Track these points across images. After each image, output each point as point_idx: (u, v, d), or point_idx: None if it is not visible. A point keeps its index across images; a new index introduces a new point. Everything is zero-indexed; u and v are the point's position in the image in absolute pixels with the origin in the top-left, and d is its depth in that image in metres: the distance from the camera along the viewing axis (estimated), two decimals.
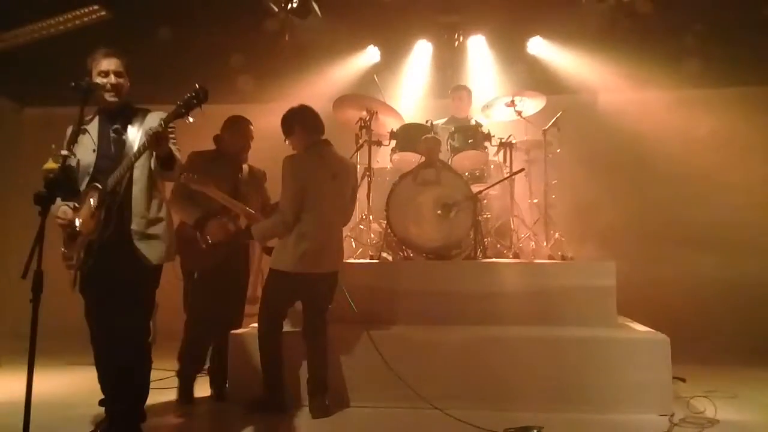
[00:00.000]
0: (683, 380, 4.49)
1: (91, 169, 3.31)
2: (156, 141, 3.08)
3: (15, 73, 6.94)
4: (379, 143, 5.69)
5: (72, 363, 5.01)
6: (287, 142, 4.24)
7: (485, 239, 5.22)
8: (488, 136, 5.55)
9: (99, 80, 3.33)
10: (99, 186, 3.23)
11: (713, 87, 7.05)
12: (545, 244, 5.40)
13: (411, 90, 7.40)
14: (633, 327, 4.64)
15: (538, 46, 7.07)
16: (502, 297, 4.62)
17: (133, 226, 3.25)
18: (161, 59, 6.16)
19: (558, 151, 5.66)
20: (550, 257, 5.26)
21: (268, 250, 4.15)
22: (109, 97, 3.34)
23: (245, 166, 4.66)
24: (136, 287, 3.26)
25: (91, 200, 3.23)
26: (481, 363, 4.15)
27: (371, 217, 5.41)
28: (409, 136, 5.50)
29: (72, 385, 4.80)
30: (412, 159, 5.47)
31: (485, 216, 5.42)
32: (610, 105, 7.13)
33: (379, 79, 6.36)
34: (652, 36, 6.43)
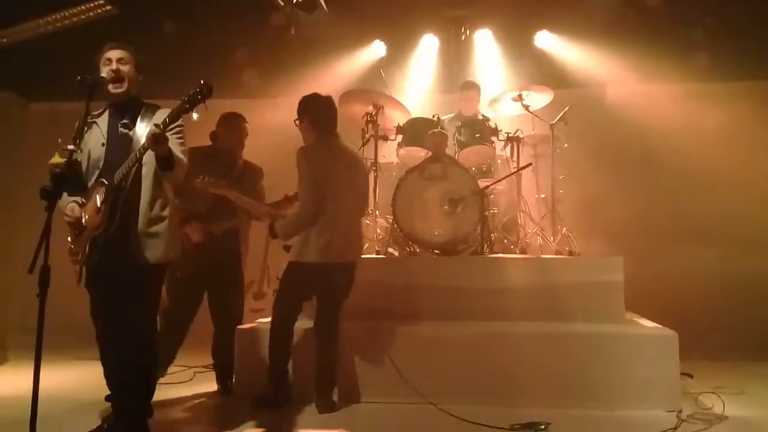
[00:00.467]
0: (691, 376, 4.46)
1: (101, 164, 3.30)
2: (154, 141, 3.05)
3: (20, 68, 6.94)
4: (385, 138, 5.68)
5: (79, 358, 5.02)
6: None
7: (492, 234, 5.19)
8: (495, 131, 5.52)
9: (104, 70, 3.31)
10: (105, 182, 3.23)
11: (721, 81, 6.99)
12: (552, 239, 5.38)
13: (417, 84, 7.37)
14: (641, 323, 4.62)
15: (546, 40, 7.04)
16: (509, 293, 4.60)
17: (137, 224, 3.24)
18: (166, 53, 6.14)
19: (565, 145, 5.63)
20: (558, 252, 5.24)
21: (288, 248, 4.12)
22: (113, 88, 3.32)
23: (240, 162, 4.65)
24: (139, 284, 3.25)
25: (98, 196, 3.23)
26: (488, 359, 4.14)
27: (377, 212, 5.40)
28: (416, 131, 5.48)
29: (79, 379, 4.81)
30: (419, 154, 5.44)
31: (492, 211, 5.39)
32: (618, 99, 7.08)
33: (385, 73, 6.33)
34: (660, 29, 6.39)
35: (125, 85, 3.35)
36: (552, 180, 5.53)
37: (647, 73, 6.63)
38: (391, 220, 5.21)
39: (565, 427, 3.57)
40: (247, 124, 4.67)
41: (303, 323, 4.43)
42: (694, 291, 6.55)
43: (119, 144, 3.31)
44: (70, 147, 3.14)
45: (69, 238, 3.33)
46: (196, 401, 4.35)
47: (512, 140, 5.53)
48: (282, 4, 6.49)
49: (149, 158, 3.23)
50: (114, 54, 3.35)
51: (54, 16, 6.58)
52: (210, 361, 4.79)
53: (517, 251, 5.22)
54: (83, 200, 3.30)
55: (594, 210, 6.56)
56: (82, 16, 6.58)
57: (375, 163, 5.44)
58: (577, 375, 4.06)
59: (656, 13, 6.26)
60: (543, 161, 5.69)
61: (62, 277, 3.09)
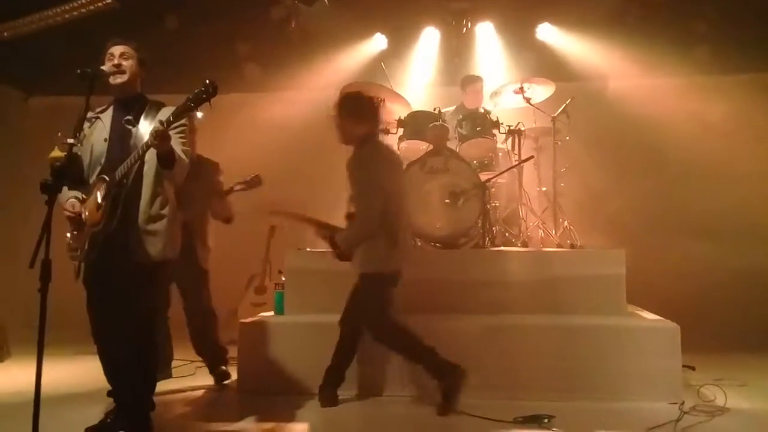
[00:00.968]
0: (693, 368, 4.48)
1: (103, 159, 3.29)
2: (156, 138, 3.03)
3: (21, 62, 6.93)
4: (386, 131, 5.64)
5: (81, 352, 5.02)
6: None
7: (493, 228, 5.18)
8: (497, 124, 5.50)
9: (107, 66, 3.30)
10: (106, 178, 3.22)
11: (724, 73, 6.97)
12: (554, 232, 5.37)
13: (419, 77, 7.35)
14: (643, 315, 4.61)
15: (547, 33, 7.01)
16: (510, 286, 4.59)
17: (137, 221, 3.23)
18: (166, 47, 6.13)
19: (567, 138, 5.62)
20: (559, 246, 5.23)
21: (343, 256, 3.97)
22: (113, 79, 3.30)
23: (194, 157, 4.59)
24: (137, 281, 3.23)
25: (98, 192, 3.22)
26: (490, 352, 4.13)
27: None
28: (417, 124, 5.46)
29: (82, 374, 4.81)
30: (420, 147, 5.43)
31: (493, 204, 5.38)
32: (620, 92, 7.06)
33: (386, 66, 6.31)
34: (662, 22, 6.36)
35: (125, 77, 3.33)
36: (553, 173, 5.52)
37: (649, 65, 6.61)
38: None
39: (567, 420, 3.56)
40: (197, 120, 4.59)
41: (309, 317, 4.45)
42: (696, 283, 6.55)
43: (122, 140, 3.29)
44: (70, 140, 3.13)
45: (68, 234, 3.32)
46: (198, 395, 4.36)
47: (514, 133, 5.51)
48: None
49: (151, 156, 3.20)
50: (116, 50, 3.35)
51: (54, 10, 6.56)
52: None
53: (519, 244, 5.22)
54: (84, 196, 3.29)
55: (596, 203, 6.55)
56: (83, 10, 6.56)
57: None
58: (579, 368, 4.06)
59: (658, 6, 6.23)
60: (544, 154, 5.67)
61: (65, 272, 3.09)
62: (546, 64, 6.75)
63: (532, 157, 5.45)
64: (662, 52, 6.43)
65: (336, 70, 6.88)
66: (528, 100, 5.56)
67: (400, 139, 5.62)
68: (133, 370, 3.28)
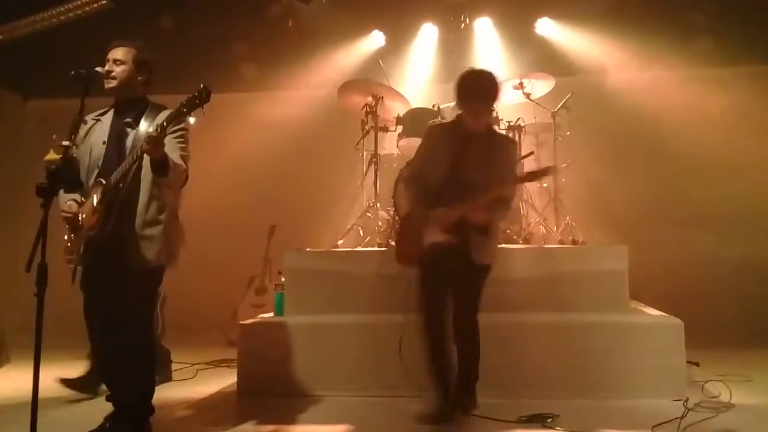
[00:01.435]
0: (697, 364, 4.45)
1: (101, 162, 3.25)
2: (149, 145, 2.99)
3: (17, 64, 6.90)
4: (385, 129, 5.64)
5: (80, 357, 4.99)
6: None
7: None
8: (496, 120, 5.47)
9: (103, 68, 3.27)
10: (103, 181, 3.18)
11: (724, 65, 6.93)
12: (556, 228, 5.34)
13: (417, 74, 7.32)
14: (646, 311, 4.58)
15: (546, 27, 6.99)
16: (512, 283, 4.54)
17: (132, 226, 3.19)
18: (163, 48, 6.08)
19: (567, 133, 5.60)
20: (561, 242, 5.20)
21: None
22: (106, 84, 3.27)
23: None
24: (132, 286, 3.19)
25: (95, 195, 3.19)
26: (492, 350, 4.07)
27: (378, 204, 5.35)
28: (416, 121, 5.42)
29: None
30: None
31: None
32: (620, 86, 7.01)
33: (384, 63, 6.28)
34: (661, 14, 6.33)
35: (114, 83, 3.28)
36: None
37: (649, 58, 6.57)
38: (392, 213, 5.16)
39: (571, 418, 3.53)
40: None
41: (309, 318, 4.41)
42: (699, 279, 6.52)
43: (120, 143, 3.26)
44: (65, 143, 3.10)
45: (66, 236, 3.29)
46: (198, 399, 4.32)
47: (514, 129, 5.47)
48: None
49: (149, 160, 3.15)
50: (113, 54, 3.31)
51: (50, 12, 6.54)
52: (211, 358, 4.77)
53: (520, 241, 5.18)
54: (83, 198, 3.26)
55: (597, 198, 6.52)
56: (78, 12, 6.54)
57: (375, 154, 5.40)
58: (582, 365, 4.03)
59: None
60: (545, 150, 5.64)
61: (63, 276, 3.06)
62: (545, 59, 6.70)
63: (532, 152, 5.41)
64: (662, 45, 6.40)
65: (334, 69, 6.85)
66: (528, 95, 5.52)
67: (399, 136, 5.59)
68: (130, 374, 3.25)
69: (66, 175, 3.12)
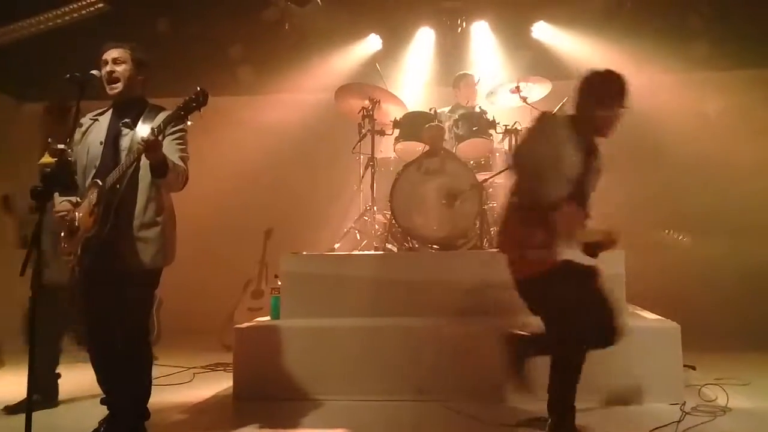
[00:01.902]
0: (693, 368, 4.45)
1: (98, 162, 3.22)
2: (146, 148, 2.98)
3: (13, 68, 6.88)
4: (382, 132, 5.63)
5: (75, 360, 4.97)
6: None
7: (491, 228, 5.14)
8: (493, 124, 5.47)
9: (102, 72, 3.25)
10: (99, 183, 3.15)
11: (723, 70, 6.94)
12: None
13: (414, 78, 7.33)
14: (643, 315, 4.58)
15: (543, 31, 7.00)
16: (509, 287, 4.53)
17: (130, 227, 3.18)
18: (160, 50, 6.08)
19: None
20: None
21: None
22: (109, 89, 3.26)
23: None
24: (129, 289, 3.18)
25: (91, 196, 3.17)
26: (489, 355, 4.07)
27: (375, 208, 5.34)
28: (413, 125, 5.42)
29: (75, 382, 4.75)
30: (416, 148, 5.39)
31: (491, 205, 5.34)
32: None
33: (381, 67, 6.28)
34: (658, 18, 6.33)
35: (120, 86, 3.27)
36: None
37: (646, 62, 6.57)
38: (389, 216, 5.16)
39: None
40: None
41: (305, 322, 4.40)
42: (697, 283, 6.52)
43: (117, 144, 3.23)
44: (60, 146, 3.09)
45: (62, 236, 3.27)
46: (194, 403, 4.30)
47: (510, 133, 5.47)
48: None
49: (146, 161, 3.13)
50: (110, 54, 3.28)
51: (46, 15, 6.52)
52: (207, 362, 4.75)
53: None
54: (78, 200, 3.24)
55: (594, 202, 6.50)
56: (75, 15, 6.53)
57: (372, 158, 5.39)
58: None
59: (654, 2, 6.20)
60: None
61: None
62: (542, 63, 6.72)
63: None
64: (659, 49, 6.40)
65: (330, 72, 6.85)
66: (524, 99, 5.51)
67: (396, 140, 5.59)
68: (126, 377, 3.23)
69: (61, 178, 3.10)
